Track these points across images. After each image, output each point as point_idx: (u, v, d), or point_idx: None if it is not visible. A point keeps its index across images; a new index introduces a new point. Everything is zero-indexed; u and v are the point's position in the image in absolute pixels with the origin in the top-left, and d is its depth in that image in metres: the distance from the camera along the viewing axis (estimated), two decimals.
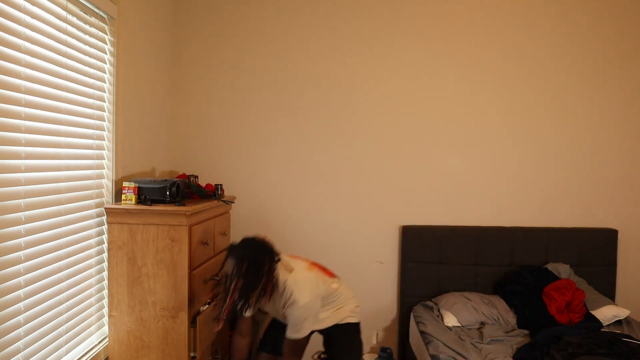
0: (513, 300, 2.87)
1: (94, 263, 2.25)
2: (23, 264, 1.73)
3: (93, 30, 2.19)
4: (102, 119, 2.30)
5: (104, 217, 2.28)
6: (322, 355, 2.57)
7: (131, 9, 2.51)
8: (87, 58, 2.14)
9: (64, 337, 2.00)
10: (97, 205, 2.26)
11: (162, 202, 2.28)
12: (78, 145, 2.09)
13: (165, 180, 2.32)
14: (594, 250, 3.11)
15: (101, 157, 2.31)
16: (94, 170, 2.23)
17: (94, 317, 2.25)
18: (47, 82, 1.84)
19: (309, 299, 2.08)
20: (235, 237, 3.25)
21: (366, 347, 3.29)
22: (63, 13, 1.95)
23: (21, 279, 1.72)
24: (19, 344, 1.72)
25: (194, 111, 3.26)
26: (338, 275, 2.40)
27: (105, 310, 2.33)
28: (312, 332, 2.19)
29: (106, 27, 2.30)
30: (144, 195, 2.29)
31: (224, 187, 3.22)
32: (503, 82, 3.18)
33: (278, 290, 2.11)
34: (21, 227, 1.72)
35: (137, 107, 2.63)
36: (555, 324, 2.63)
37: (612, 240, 3.13)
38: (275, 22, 3.21)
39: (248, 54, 3.22)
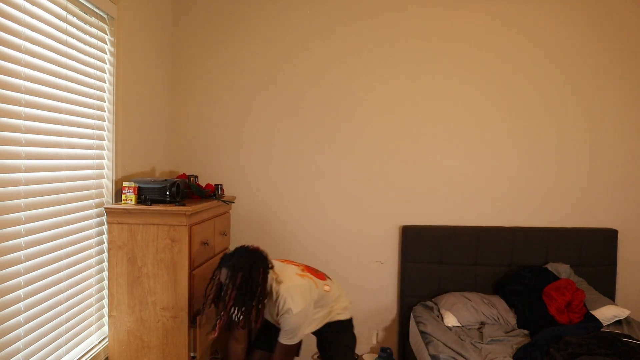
0: (513, 300, 2.87)
1: (94, 263, 2.25)
2: (23, 264, 1.73)
3: (93, 30, 2.19)
4: (102, 119, 2.30)
5: (104, 217, 2.28)
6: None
7: (131, 9, 2.51)
8: (87, 58, 2.14)
9: (64, 337, 2.00)
10: (97, 205, 2.26)
11: (162, 202, 2.28)
12: (78, 145, 2.09)
13: (165, 180, 2.32)
14: (594, 250, 3.11)
15: (101, 157, 2.31)
16: (94, 170, 2.23)
17: (94, 317, 2.25)
18: (47, 82, 1.84)
19: (302, 307, 2.10)
20: (235, 237, 3.26)
21: (366, 347, 3.29)
22: (63, 13, 1.95)
23: (21, 279, 1.72)
24: (19, 344, 1.72)
25: (194, 111, 3.26)
26: (329, 277, 2.42)
27: (105, 310, 2.33)
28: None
29: (106, 27, 2.30)
30: (144, 195, 2.29)
31: (224, 187, 3.22)
32: (503, 82, 3.18)
33: (271, 298, 2.13)
34: (21, 227, 1.71)
35: (137, 107, 2.63)
36: (555, 324, 2.63)
37: (612, 240, 3.13)
38: (275, 22, 3.21)
39: (248, 54, 3.23)
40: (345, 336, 2.39)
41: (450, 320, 2.76)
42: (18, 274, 1.70)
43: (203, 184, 2.87)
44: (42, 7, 1.80)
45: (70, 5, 2.00)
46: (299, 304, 2.09)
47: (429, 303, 3.02)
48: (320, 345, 2.40)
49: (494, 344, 2.51)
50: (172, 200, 2.29)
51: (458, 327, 2.74)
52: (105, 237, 2.31)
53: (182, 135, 3.26)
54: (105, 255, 2.32)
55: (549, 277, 2.91)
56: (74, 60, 2.03)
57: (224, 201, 2.68)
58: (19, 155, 1.70)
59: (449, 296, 2.95)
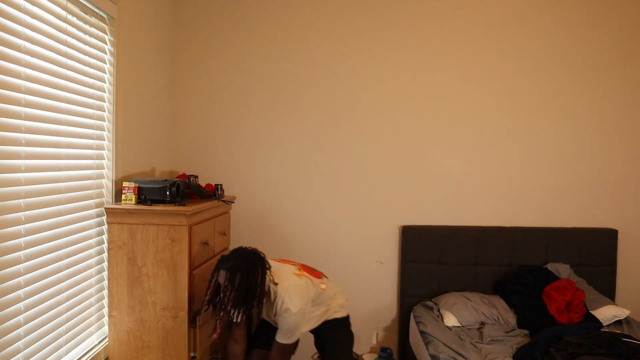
0: (513, 300, 2.87)
1: (94, 263, 2.25)
2: (23, 264, 1.73)
3: (93, 30, 2.19)
4: (102, 119, 2.30)
5: (104, 217, 2.28)
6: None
7: (131, 9, 2.51)
8: (87, 58, 2.14)
9: (64, 337, 2.00)
10: (97, 205, 2.26)
11: (162, 202, 2.28)
12: (78, 145, 2.09)
13: (165, 180, 2.32)
14: (594, 250, 3.11)
15: (101, 157, 2.31)
16: (94, 170, 2.23)
17: (94, 317, 2.25)
18: (47, 82, 1.84)
19: (300, 306, 2.11)
20: (235, 237, 3.26)
21: (366, 347, 3.29)
22: (63, 13, 1.95)
23: (21, 279, 1.72)
24: (19, 344, 1.72)
25: (194, 111, 3.26)
26: (325, 275, 2.43)
27: (105, 310, 2.33)
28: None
29: (106, 27, 2.30)
30: (144, 195, 2.29)
31: (224, 187, 3.22)
32: (503, 82, 3.18)
33: (269, 299, 2.14)
34: (21, 227, 1.71)
35: (137, 107, 2.63)
36: (555, 324, 2.63)
37: (612, 240, 3.13)
38: (275, 22, 3.21)
39: (248, 54, 3.22)
40: (342, 334, 2.40)
41: (450, 320, 2.76)
42: (18, 274, 1.70)
43: (203, 184, 2.87)
44: (42, 7, 1.80)
45: (70, 5, 2.00)
46: (297, 304, 2.10)
47: (429, 303, 3.02)
48: (318, 343, 2.40)
49: (494, 344, 2.51)
50: (172, 200, 2.29)
51: (458, 327, 2.74)
52: (105, 237, 2.31)
53: (182, 135, 3.26)
54: (105, 255, 2.32)
55: (549, 277, 2.91)
56: (74, 60, 2.03)
57: (224, 201, 2.68)
58: (19, 155, 1.70)
59: (449, 296, 2.95)
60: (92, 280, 2.23)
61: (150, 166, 2.85)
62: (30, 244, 1.77)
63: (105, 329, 2.33)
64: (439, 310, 2.89)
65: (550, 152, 3.19)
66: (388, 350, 2.99)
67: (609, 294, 3.07)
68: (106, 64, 2.32)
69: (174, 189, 2.29)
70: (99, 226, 2.27)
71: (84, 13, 2.12)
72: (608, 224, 3.21)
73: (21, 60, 1.69)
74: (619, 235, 3.18)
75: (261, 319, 2.36)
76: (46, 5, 1.83)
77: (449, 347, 2.40)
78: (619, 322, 2.71)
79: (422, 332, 2.65)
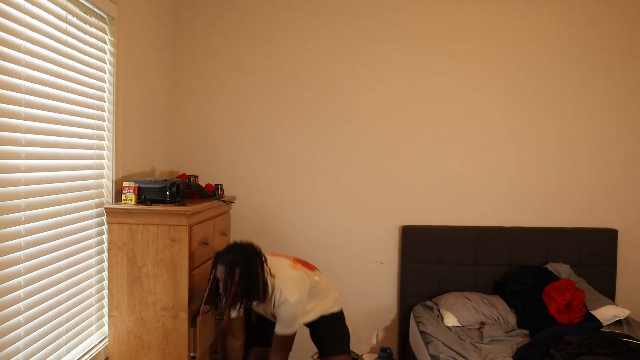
0: (513, 300, 2.87)
1: (94, 263, 2.25)
2: (23, 264, 1.73)
3: (93, 30, 2.19)
4: (102, 119, 2.30)
5: (104, 217, 2.28)
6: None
7: (131, 9, 2.51)
8: (87, 58, 2.14)
9: (64, 337, 2.00)
10: (97, 205, 2.26)
11: (162, 202, 2.28)
12: (78, 145, 2.09)
13: (165, 180, 2.32)
14: (594, 250, 3.11)
15: (101, 157, 2.31)
16: (94, 170, 2.23)
17: (94, 317, 2.25)
18: (47, 82, 1.84)
19: (298, 297, 2.14)
20: (235, 237, 3.26)
21: (366, 347, 3.29)
22: (63, 13, 1.95)
23: (21, 279, 1.72)
24: (19, 344, 1.72)
25: (194, 111, 3.26)
26: (318, 268, 2.48)
27: (105, 310, 2.33)
28: None
29: (106, 27, 2.30)
30: (144, 195, 2.29)
31: (224, 187, 3.22)
32: (503, 82, 3.18)
33: (267, 292, 2.15)
34: (21, 227, 1.71)
35: (137, 107, 2.63)
36: (555, 324, 2.63)
37: (612, 240, 3.13)
38: (275, 22, 3.21)
39: (248, 54, 3.22)
40: (339, 328, 2.44)
41: (450, 320, 2.76)
42: (18, 274, 1.70)
43: (203, 184, 2.87)
44: (42, 7, 1.80)
45: (70, 5, 2.00)
46: (294, 295, 2.13)
47: (429, 303, 3.02)
48: (316, 339, 2.42)
49: (494, 344, 2.51)
50: (172, 200, 2.29)
51: (458, 327, 2.74)
52: (105, 237, 2.31)
53: (182, 135, 3.26)
54: (105, 255, 2.32)
55: (549, 277, 2.91)
56: (74, 60, 2.03)
57: (224, 201, 2.68)
58: (19, 155, 1.70)
59: (449, 296, 2.95)
60: (92, 280, 2.23)
61: (150, 166, 2.85)
62: (30, 244, 1.77)
63: (105, 329, 2.33)
64: (439, 310, 2.89)
65: (550, 152, 3.19)
66: (388, 350, 2.99)
67: (609, 294, 3.07)
68: (106, 64, 2.32)
69: (174, 189, 2.29)
70: (99, 226, 2.27)
71: (84, 13, 2.12)
72: (608, 224, 3.21)
73: (21, 60, 1.69)
74: (619, 235, 3.18)
75: (258, 314, 2.39)
76: (46, 5, 1.83)
77: (449, 347, 2.40)
78: (619, 322, 2.71)
79: (422, 332, 2.65)
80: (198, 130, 3.26)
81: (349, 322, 3.19)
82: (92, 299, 2.23)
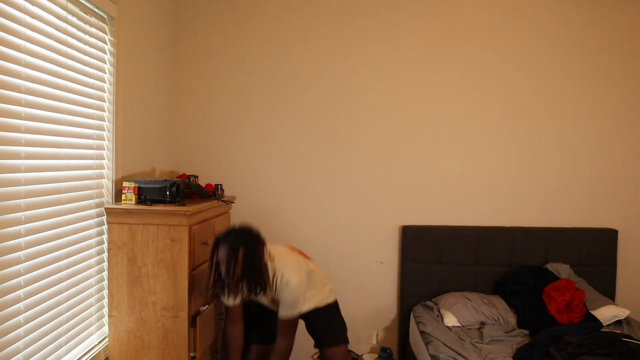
0: (513, 300, 2.87)
1: (94, 263, 2.25)
2: (23, 264, 1.73)
3: (93, 30, 2.19)
4: (102, 119, 2.30)
5: (104, 217, 2.28)
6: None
7: (131, 9, 2.51)
8: (87, 58, 2.14)
9: (64, 337, 2.00)
10: (97, 205, 2.26)
11: (162, 202, 2.28)
12: (78, 145, 2.09)
13: (165, 180, 2.32)
14: (594, 250, 3.11)
15: (101, 157, 2.31)
16: (94, 170, 2.23)
17: (94, 317, 2.25)
18: (47, 82, 1.84)
19: (299, 279, 2.15)
20: None
21: (366, 347, 3.29)
22: (63, 13, 1.95)
23: (21, 279, 1.72)
24: (19, 344, 1.72)
25: (194, 111, 3.26)
26: (311, 258, 2.47)
27: (105, 310, 2.33)
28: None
29: (106, 27, 2.30)
30: (144, 195, 2.29)
31: (224, 187, 3.22)
32: (503, 82, 3.18)
33: (268, 276, 2.14)
34: (21, 227, 1.71)
35: (137, 107, 2.63)
36: (555, 324, 2.63)
37: (612, 240, 3.13)
38: (275, 22, 3.21)
39: (248, 54, 3.22)
40: (336, 318, 2.45)
41: (450, 320, 2.76)
42: (18, 274, 1.70)
43: (203, 184, 2.87)
44: (42, 7, 1.80)
45: (70, 5, 2.00)
46: (296, 276, 2.14)
47: (429, 303, 3.02)
48: (312, 330, 2.42)
49: (494, 344, 2.51)
50: (172, 200, 2.29)
51: (458, 327, 2.74)
52: (105, 237, 2.31)
53: (182, 135, 3.26)
54: (105, 255, 2.32)
55: (549, 277, 2.91)
56: (74, 60, 2.03)
57: (224, 201, 2.68)
58: (19, 155, 1.70)
59: (449, 296, 2.95)
60: (92, 280, 2.23)
61: (150, 166, 2.85)
62: (30, 244, 1.77)
63: (105, 329, 2.33)
64: (439, 310, 2.89)
65: (550, 152, 3.19)
66: (388, 350, 2.99)
67: (609, 294, 3.07)
68: (106, 64, 2.32)
69: (174, 189, 2.29)
70: (99, 226, 2.27)
71: (84, 13, 2.12)
72: (608, 224, 3.21)
73: (21, 60, 1.69)
74: (619, 235, 3.18)
75: (257, 305, 2.38)
76: (46, 5, 1.83)
77: (449, 347, 2.40)
78: (619, 322, 2.71)
79: (422, 332, 2.65)
80: (198, 130, 3.26)
81: (349, 322, 3.19)
82: (92, 299, 2.23)
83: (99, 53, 2.25)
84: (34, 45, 1.76)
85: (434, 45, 3.18)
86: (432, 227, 3.17)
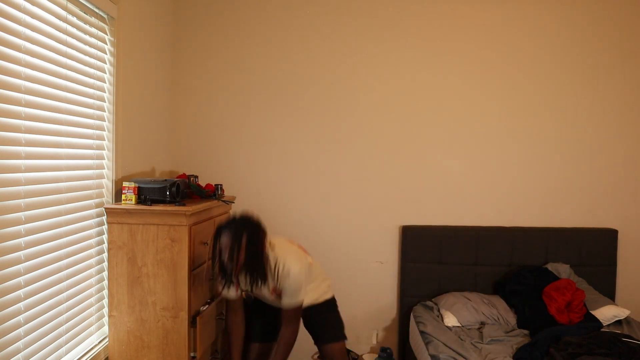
0: (513, 300, 2.87)
1: (94, 263, 2.25)
2: (23, 264, 1.73)
3: (93, 30, 2.19)
4: (102, 119, 2.30)
5: (104, 217, 2.28)
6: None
7: (131, 9, 2.51)
8: (87, 58, 2.14)
9: (64, 337, 2.00)
10: (97, 205, 2.26)
11: (162, 202, 2.27)
12: (78, 145, 2.09)
13: (165, 180, 2.32)
14: (594, 250, 3.11)
15: (101, 157, 2.31)
16: (94, 170, 2.23)
17: (94, 317, 2.25)
18: (47, 82, 1.84)
19: (300, 266, 2.16)
20: None
21: (366, 347, 3.29)
22: (63, 13, 1.95)
23: (21, 279, 1.72)
24: (19, 344, 1.72)
25: (194, 111, 3.26)
26: (309, 254, 2.48)
27: (105, 310, 2.33)
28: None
29: (106, 27, 2.30)
30: (144, 195, 2.29)
31: (224, 187, 3.22)
32: (503, 82, 3.18)
33: (270, 266, 2.16)
34: (21, 227, 1.71)
35: (137, 107, 2.63)
36: (555, 324, 2.63)
37: (612, 240, 3.13)
38: (275, 22, 3.21)
39: (248, 54, 3.22)
40: (333, 314, 2.46)
41: (450, 320, 2.76)
42: (18, 274, 1.70)
43: (203, 184, 2.87)
44: (42, 7, 1.80)
45: (70, 5, 2.00)
46: (297, 264, 2.15)
47: (429, 303, 3.02)
48: (310, 326, 2.43)
49: (494, 344, 2.51)
50: (172, 200, 2.28)
51: (458, 327, 2.74)
52: (105, 237, 2.31)
53: (182, 135, 3.26)
54: (105, 255, 2.32)
55: (549, 277, 2.91)
56: (74, 60, 2.03)
57: (224, 201, 2.68)
58: (19, 155, 1.70)
59: (449, 296, 2.95)
60: (92, 280, 2.23)
61: (150, 166, 2.85)
62: (30, 244, 1.77)
63: (105, 329, 2.33)
64: (439, 310, 2.89)
65: (550, 152, 3.19)
66: (388, 350, 2.99)
67: (609, 294, 3.07)
68: (106, 64, 2.32)
69: (174, 189, 2.29)
70: (99, 226, 2.27)
71: (84, 13, 2.12)
72: (608, 224, 3.21)
73: (21, 60, 1.69)
74: (619, 235, 3.18)
75: (255, 301, 2.40)
76: (46, 5, 1.83)
77: (449, 347, 2.40)
78: (619, 322, 2.71)
79: (422, 332, 2.65)
80: (198, 130, 3.26)
81: (349, 322, 3.20)
82: (92, 299, 2.23)
83: (99, 53, 2.25)
84: (34, 45, 1.76)
85: (434, 45, 3.18)
86: (432, 227, 3.17)
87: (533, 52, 3.16)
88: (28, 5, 1.72)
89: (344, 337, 2.45)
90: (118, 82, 2.37)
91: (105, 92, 2.32)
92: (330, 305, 2.44)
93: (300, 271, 2.15)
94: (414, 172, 3.22)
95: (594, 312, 2.71)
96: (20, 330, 1.72)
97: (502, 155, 3.20)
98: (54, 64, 1.88)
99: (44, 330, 1.86)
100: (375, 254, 3.26)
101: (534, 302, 2.79)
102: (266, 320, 2.43)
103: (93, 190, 2.23)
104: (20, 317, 1.72)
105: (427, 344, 2.51)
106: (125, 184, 2.26)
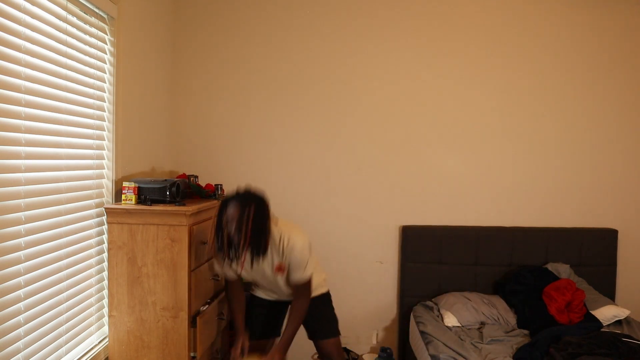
0: (513, 300, 2.87)
1: (94, 263, 2.25)
2: (23, 264, 1.73)
3: (93, 30, 2.19)
4: (102, 119, 2.30)
5: (104, 217, 2.28)
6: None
7: (131, 9, 2.51)
8: (87, 58, 2.14)
9: (64, 337, 2.00)
10: (97, 205, 2.26)
11: (162, 202, 2.27)
12: (78, 145, 2.09)
13: (165, 180, 2.32)
14: (594, 250, 3.11)
15: (101, 157, 2.31)
16: (94, 170, 2.23)
17: (94, 317, 2.25)
18: (47, 82, 1.84)
19: (304, 240, 2.17)
20: None
21: (366, 347, 3.29)
22: (63, 13, 1.95)
23: (21, 279, 1.72)
24: (19, 344, 1.72)
25: (194, 111, 3.26)
26: None
27: (105, 310, 2.33)
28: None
29: (106, 27, 2.30)
30: (144, 195, 2.29)
31: (224, 187, 3.21)
32: (503, 82, 3.18)
33: (274, 241, 2.15)
34: (21, 227, 1.71)
35: (137, 107, 2.63)
36: (555, 324, 2.63)
37: (612, 240, 3.13)
38: (275, 21, 3.21)
39: (248, 54, 3.22)
40: (328, 309, 2.46)
41: (450, 320, 2.76)
42: (18, 274, 1.70)
43: (203, 184, 2.87)
44: (42, 7, 1.80)
45: (70, 5, 2.00)
46: (301, 238, 2.16)
47: (429, 303, 3.02)
48: (306, 322, 2.41)
49: (494, 344, 2.51)
50: (172, 200, 2.28)
51: (458, 327, 2.74)
52: (105, 237, 2.31)
53: (182, 135, 3.26)
54: (105, 255, 2.32)
55: (549, 277, 2.91)
56: (74, 60, 2.03)
57: None
58: (19, 155, 1.70)
59: (449, 296, 2.95)
60: (92, 280, 2.23)
61: (150, 166, 2.85)
62: (30, 244, 1.77)
63: (105, 329, 2.33)
64: (439, 310, 2.89)
65: (550, 152, 3.19)
66: (388, 350, 2.99)
67: (609, 294, 3.07)
68: (106, 64, 2.32)
69: (174, 189, 2.29)
70: (99, 226, 2.27)
71: (84, 13, 2.12)
72: (608, 224, 3.21)
73: (21, 60, 1.69)
74: (619, 235, 3.18)
75: (253, 298, 2.40)
76: (46, 5, 1.83)
77: (449, 347, 2.40)
78: (619, 322, 2.71)
79: (422, 332, 2.65)
80: (198, 130, 3.26)
81: (349, 322, 3.21)
82: (92, 299, 2.23)
83: (99, 53, 2.25)
84: (34, 45, 1.76)
85: (434, 45, 3.18)
86: (432, 227, 3.17)
87: (533, 52, 3.16)
88: (28, 5, 1.72)
89: (339, 333, 2.47)
90: (118, 82, 2.37)
91: (105, 92, 2.32)
92: (325, 300, 2.44)
93: (304, 244, 2.16)
94: (414, 172, 3.22)
95: (594, 312, 2.71)
96: (20, 330, 1.72)
97: (502, 155, 3.20)
98: (54, 64, 1.88)
99: (44, 330, 1.86)
100: (375, 254, 3.26)
101: (534, 302, 2.79)
102: (262, 319, 2.42)
103: (93, 190, 2.23)
104: (20, 317, 1.72)
105: (427, 344, 2.51)
106: (125, 184, 2.26)
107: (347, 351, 3.15)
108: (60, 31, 1.92)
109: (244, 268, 2.21)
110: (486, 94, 3.19)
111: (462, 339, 2.57)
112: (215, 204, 2.54)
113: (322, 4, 3.19)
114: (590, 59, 3.16)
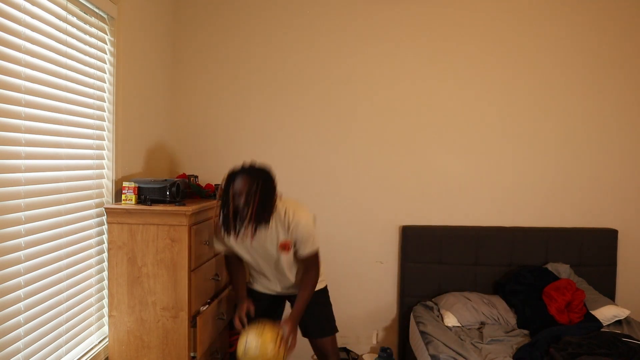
0: (513, 300, 2.87)
1: (94, 263, 2.25)
2: (23, 264, 1.73)
3: (93, 30, 2.19)
4: (102, 119, 2.30)
5: (104, 217, 2.28)
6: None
7: (131, 9, 2.51)
8: (87, 58, 2.14)
9: (64, 337, 2.00)
10: (97, 205, 2.26)
11: (162, 202, 2.28)
12: (78, 145, 2.09)
13: (165, 180, 2.32)
14: (594, 250, 3.11)
15: (101, 157, 2.31)
16: (94, 170, 2.23)
17: (94, 317, 2.25)
18: (47, 82, 1.84)
19: (308, 214, 2.21)
20: None
21: (366, 347, 3.29)
22: (63, 13, 1.95)
23: (21, 279, 1.72)
24: (19, 344, 1.72)
25: (194, 111, 3.26)
26: None
27: (105, 310, 2.33)
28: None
29: (106, 27, 2.30)
30: (144, 195, 2.29)
31: None
32: (503, 83, 3.18)
33: (279, 216, 2.15)
34: (21, 227, 1.71)
35: (137, 107, 2.63)
36: (555, 324, 2.63)
37: (612, 240, 3.13)
38: (275, 21, 3.21)
39: (248, 54, 3.22)
40: (326, 306, 2.45)
41: (450, 320, 2.76)
42: (18, 274, 1.70)
43: (203, 184, 2.87)
44: (42, 7, 1.80)
45: (70, 5, 2.00)
46: (305, 213, 2.19)
47: (429, 303, 3.02)
48: (302, 320, 2.37)
49: (494, 344, 2.51)
50: (172, 200, 2.29)
51: (458, 327, 2.74)
52: (105, 237, 2.31)
53: (182, 135, 3.26)
54: (105, 255, 2.32)
55: (549, 277, 2.91)
56: (74, 60, 2.03)
57: None
58: (19, 155, 1.70)
59: (449, 296, 2.95)
60: (92, 280, 2.23)
61: (150, 166, 2.85)
62: (30, 244, 1.77)
63: (105, 329, 2.34)
64: (439, 310, 2.89)
65: (550, 152, 3.19)
66: (388, 350, 2.99)
67: (609, 294, 3.07)
68: (106, 64, 2.32)
69: (174, 189, 2.29)
70: (99, 226, 2.27)
71: (84, 13, 2.12)
72: (608, 224, 3.21)
73: (21, 60, 1.69)
74: (619, 235, 3.18)
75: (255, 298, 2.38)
76: (46, 5, 1.83)
77: (449, 347, 2.40)
78: (619, 322, 2.71)
79: (422, 332, 2.65)
80: (198, 130, 3.26)
81: (349, 322, 3.21)
82: (92, 299, 2.23)
83: (99, 53, 2.25)
84: (34, 45, 1.76)
85: (434, 45, 3.18)
86: (432, 227, 3.17)
87: (533, 52, 3.16)
88: (28, 5, 1.72)
89: (336, 330, 2.47)
90: (118, 82, 2.37)
91: (105, 92, 2.32)
92: (322, 296, 2.41)
93: (309, 218, 2.18)
94: (414, 172, 3.22)
95: (594, 312, 2.71)
96: (20, 330, 1.72)
97: (502, 155, 3.20)
98: (54, 64, 1.88)
99: (44, 330, 1.87)
100: (375, 254, 3.26)
101: (534, 302, 2.79)
102: (260, 315, 2.40)
103: (93, 190, 2.23)
104: (20, 317, 1.72)
105: (427, 344, 2.51)
106: (125, 184, 2.26)
107: (347, 351, 3.15)
108: (60, 31, 1.92)
109: (246, 243, 2.20)
110: (486, 94, 3.19)
111: (462, 339, 2.57)
112: (215, 203, 2.54)
113: (322, 4, 3.19)
114: (590, 59, 3.16)
